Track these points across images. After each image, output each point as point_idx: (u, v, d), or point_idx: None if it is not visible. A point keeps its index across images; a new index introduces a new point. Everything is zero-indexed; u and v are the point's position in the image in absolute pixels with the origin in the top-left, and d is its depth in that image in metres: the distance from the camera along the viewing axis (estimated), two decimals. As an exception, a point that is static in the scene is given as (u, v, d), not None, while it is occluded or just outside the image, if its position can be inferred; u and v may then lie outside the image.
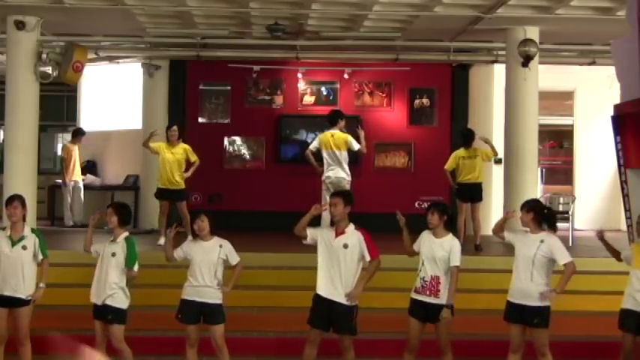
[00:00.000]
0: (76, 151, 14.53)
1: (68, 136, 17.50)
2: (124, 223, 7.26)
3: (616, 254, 7.36)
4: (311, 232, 7.04)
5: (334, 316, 6.95)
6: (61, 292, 8.91)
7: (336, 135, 11.13)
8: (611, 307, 7.41)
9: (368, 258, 6.99)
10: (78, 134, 14.79)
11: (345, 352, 7.05)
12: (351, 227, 7.07)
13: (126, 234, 7.22)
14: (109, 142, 15.32)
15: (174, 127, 11.40)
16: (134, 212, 13.63)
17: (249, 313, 8.73)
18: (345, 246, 6.95)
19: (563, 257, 6.90)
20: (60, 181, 14.81)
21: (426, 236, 7.19)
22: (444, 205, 7.39)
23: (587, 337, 8.40)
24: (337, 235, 7.00)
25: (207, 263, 7.08)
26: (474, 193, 11.41)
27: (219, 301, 7.13)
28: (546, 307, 6.87)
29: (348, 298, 6.90)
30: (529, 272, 6.86)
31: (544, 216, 7.06)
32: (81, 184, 14.51)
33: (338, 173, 11.01)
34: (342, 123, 11.24)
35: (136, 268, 7.14)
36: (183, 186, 11.32)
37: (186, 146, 11.32)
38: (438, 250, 7.05)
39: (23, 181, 11.47)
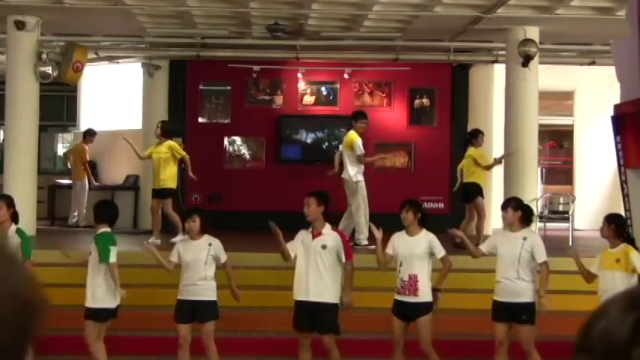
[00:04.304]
0: (86, 151, 14.55)
1: (68, 136, 17.52)
2: (101, 221, 7.15)
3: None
4: (293, 248, 6.93)
5: (318, 316, 6.88)
6: (61, 292, 8.90)
7: (348, 134, 11.04)
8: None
9: (343, 259, 6.90)
10: (87, 134, 14.74)
11: (330, 351, 6.98)
12: (328, 228, 6.99)
13: (102, 230, 7.10)
14: (109, 142, 15.29)
15: (157, 124, 11.41)
16: (134, 212, 13.67)
17: (249, 313, 8.72)
18: (324, 247, 6.87)
19: (542, 256, 6.94)
20: (71, 181, 14.72)
21: (398, 237, 7.12)
22: (418, 203, 7.37)
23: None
24: (314, 236, 6.90)
25: (197, 262, 7.08)
26: (467, 193, 11.34)
27: (210, 298, 7.10)
28: (533, 303, 6.90)
29: (343, 306, 6.86)
30: (515, 270, 6.87)
31: (526, 214, 7.09)
32: (86, 185, 14.49)
33: (344, 174, 10.89)
34: (356, 124, 11.08)
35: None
36: (169, 185, 11.14)
37: (171, 143, 11.23)
38: (415, 248, 6.97)
39: (23, 181, 11.47)
